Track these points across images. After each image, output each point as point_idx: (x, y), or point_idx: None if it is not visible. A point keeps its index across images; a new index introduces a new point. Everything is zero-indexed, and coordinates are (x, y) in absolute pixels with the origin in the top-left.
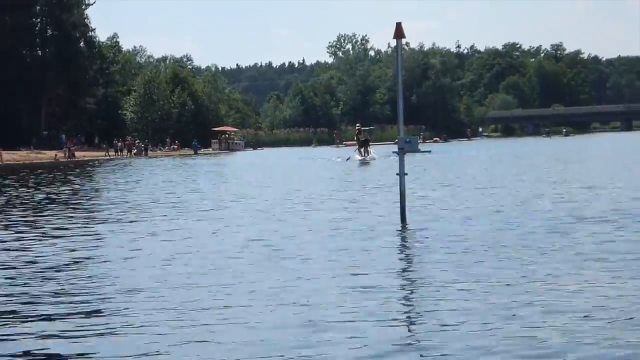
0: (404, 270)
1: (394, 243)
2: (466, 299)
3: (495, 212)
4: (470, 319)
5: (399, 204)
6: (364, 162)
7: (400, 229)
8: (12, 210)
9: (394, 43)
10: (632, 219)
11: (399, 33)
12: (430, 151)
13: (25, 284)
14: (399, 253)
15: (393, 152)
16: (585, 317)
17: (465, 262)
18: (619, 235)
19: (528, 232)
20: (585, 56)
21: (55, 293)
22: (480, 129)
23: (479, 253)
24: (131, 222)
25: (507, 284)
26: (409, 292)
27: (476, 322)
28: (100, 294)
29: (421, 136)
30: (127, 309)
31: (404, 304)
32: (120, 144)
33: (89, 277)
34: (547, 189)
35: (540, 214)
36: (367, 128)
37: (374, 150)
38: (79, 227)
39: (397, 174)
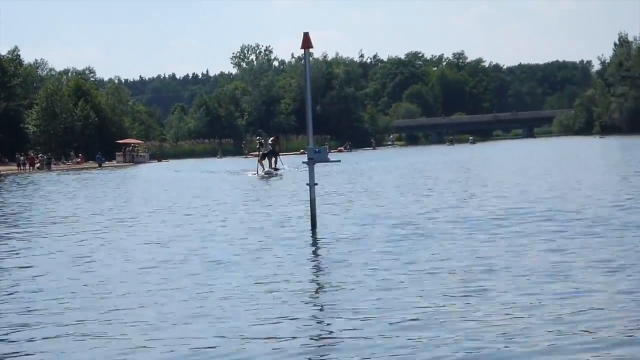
0: (314, 276)
1: (305, 251)
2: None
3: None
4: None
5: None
6: (265, 175)
7: (311, 236)
8: None
9: (297, 53)
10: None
11: (306, 43)
12: (339, 161)
13: None
14: (309, 261)
15: (303, 162)
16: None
17: (372, 263)
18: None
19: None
20: (486, 64)
21: None
22: (392, 137)
23: (381, 255)
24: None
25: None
26: (315, 297)
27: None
28: None
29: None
30: None
31: (312, 309)
32: (22, 158)
33: None
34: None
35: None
36: (268, 138)
37: (281, 161)
38: None
39: (307, 184)
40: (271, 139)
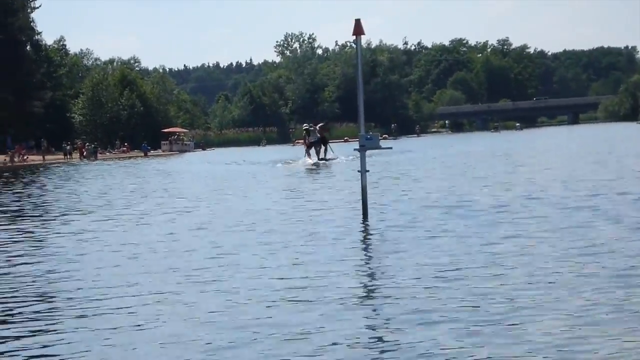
0: (365, 266)
1: (356, 239)
2: (419, 291)
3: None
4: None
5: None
6: (314, 166)
7: (362, 225)
8: None
9: (341, 41)
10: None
11: (358, 29)
12: (391, 148)
13: None
14: (361, 250)
15: (354, 149)
16: None
17: (426, 255)
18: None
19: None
20: (531, 51)
21: None
22: (447, 123)
23: (434, 246)
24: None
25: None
26: (369, 288)
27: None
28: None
29: (377, 133)
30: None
31: (361, 299)
32: (69, 147)
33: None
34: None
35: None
36: (312, 127)
37: (332, 150)
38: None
39: (358, 171)
40: (319, 125)
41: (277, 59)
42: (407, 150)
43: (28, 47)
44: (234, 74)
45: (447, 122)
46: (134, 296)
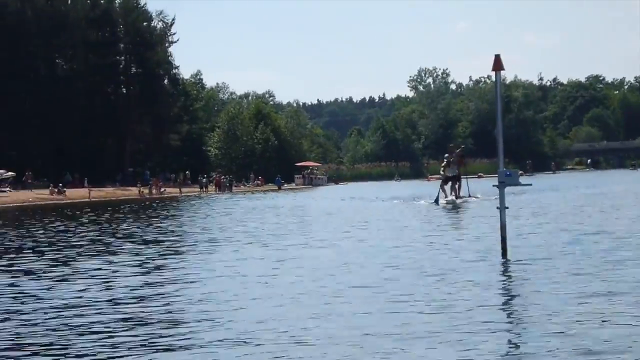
0: (506, 305)
1: (496, 277)
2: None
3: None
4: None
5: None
6: (450, 204)
7: (502, 262)
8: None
9: (475, 76)
10: None
11: (497, 65)
12: (531, 184)
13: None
14: (501, 287)
15: (493, 185)
16: None
17: (568, 293)
18: None
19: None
20: None
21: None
22: (589, 161)
23: (579, 283)
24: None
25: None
26: (511, 327)
27: None
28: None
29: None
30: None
31: (504, 337)
32: (204, 180)
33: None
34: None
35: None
36: (452, 159)
37: (468, 187)
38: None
39: (497, 208)
40: (457, 150)
41: (410, 94)
42: (548, 188)
43: (166, 81)
44: (366, 109)
45: (589, 160)
46: None
